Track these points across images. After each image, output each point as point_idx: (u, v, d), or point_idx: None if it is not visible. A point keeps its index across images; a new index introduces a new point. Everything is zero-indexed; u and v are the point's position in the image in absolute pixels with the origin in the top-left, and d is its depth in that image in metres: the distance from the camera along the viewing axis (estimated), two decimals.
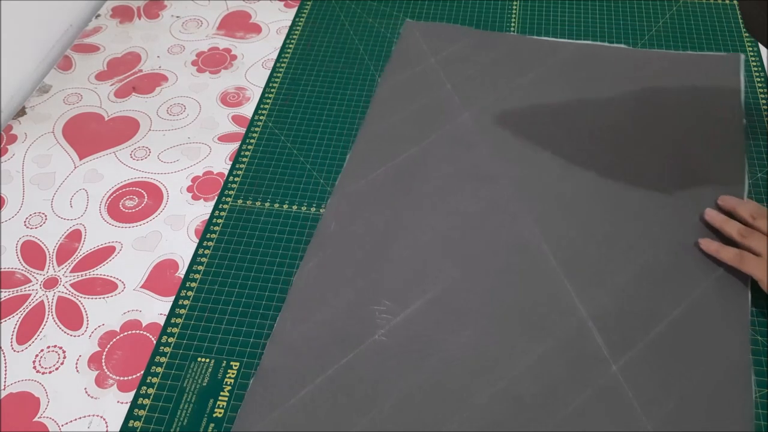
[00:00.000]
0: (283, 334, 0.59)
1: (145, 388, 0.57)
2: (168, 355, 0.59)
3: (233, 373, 0.58)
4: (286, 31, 0.89)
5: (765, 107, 0.76)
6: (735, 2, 0.89)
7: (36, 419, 0.56)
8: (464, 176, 0.70)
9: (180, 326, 0.61)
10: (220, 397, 0.57)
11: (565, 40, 0.85)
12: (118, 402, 0.57)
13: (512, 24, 0.87)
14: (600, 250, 0.64)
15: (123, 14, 0.92)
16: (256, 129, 0.77)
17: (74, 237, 0.68)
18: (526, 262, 0.63)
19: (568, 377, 0.56)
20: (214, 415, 0.56)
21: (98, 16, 0.92)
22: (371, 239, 0.65)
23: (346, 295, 0.61)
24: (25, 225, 0.69)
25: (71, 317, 0.62)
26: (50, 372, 0.59)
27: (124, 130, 0.78)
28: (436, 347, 0.58)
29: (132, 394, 0.57)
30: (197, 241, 0.67)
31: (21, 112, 0.80)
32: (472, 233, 0.65)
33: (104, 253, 0.66)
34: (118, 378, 0.58)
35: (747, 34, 0.85)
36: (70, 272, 0.65)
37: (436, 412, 0.54)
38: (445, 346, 0.58)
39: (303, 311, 0.60)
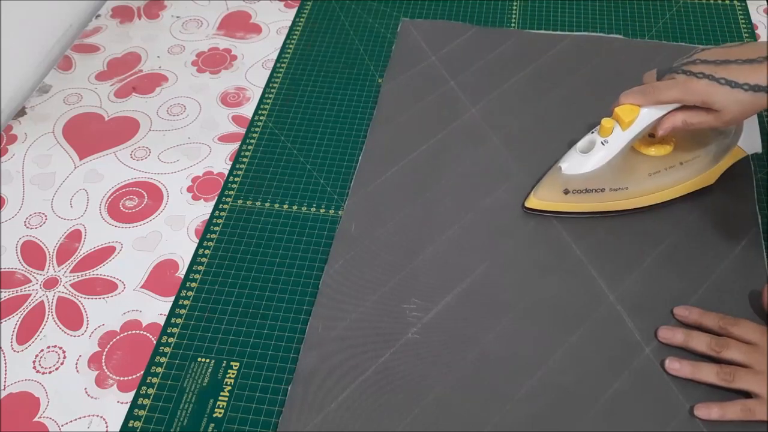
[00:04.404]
0: (315, 339, 0.59)
1: (145, 388, 0.57)
2: (168, 355, 0.59)
3: (233, 373, 0.58)
4: (286, 31, 0.89)
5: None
6: (735, 2, 0.89)
7: (36, 419, 0.56)
8: (480, 171, 0.71)
9: (180, 326, 0.61)
10: (220, 397, 0.57)
11: (564, 33, 0.85)
12: (118, 402, 0.57)
13: (512, 24, 0.87)
14: (621, 238, 0.65)
15: (123, 14, 0.92)
16: (256, 129, 0.77)
17: (74, 237, 0.68)
18: (549, 252, 0.64)
19: (603, 363, 0.57)
20: (214, 415, 0.56)
21: (98, 16, 0.92)
22: (393, 238, 0.66)
23: (375, 295, 0.62)
24: (25, 225, 0.69)
25: (71, 317, 0.62)
26: (50, 372, 0.59)
27: (124, 130, 0.78)
28: (470, 343, 0.58)
29: (132, 394, 0.57)
30: (197, 241, 0.67)
31: (21, 112, 0.80)
32: (494, 227, 0.66)
33: (104, 253, 0.66)
34: (118, 378, 0.58)
35: (746, 34, 0.85)
36: (70, 272, 0.65)
37: (478, 407, 0.55)
38: (480, 341, 0.58)
39: (333, 314, 0.60)
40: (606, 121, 0.61)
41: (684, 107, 0.59)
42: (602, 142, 0.62)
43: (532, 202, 0.66)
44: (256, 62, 0.85)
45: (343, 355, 0.58)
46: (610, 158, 0.62)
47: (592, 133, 0.63)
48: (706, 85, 0.56)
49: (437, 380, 0.56)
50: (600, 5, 0.89)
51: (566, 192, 0.64)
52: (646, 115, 0.60)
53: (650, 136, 0.65)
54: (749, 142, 0.64)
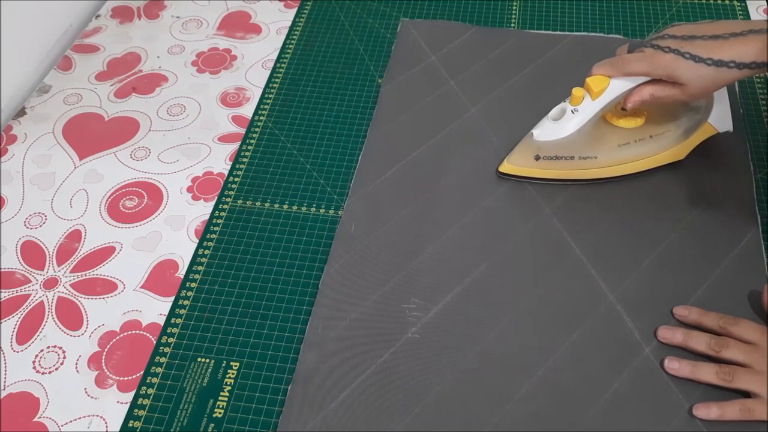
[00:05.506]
0: (315, 338, 0.59)
1: (145, 388, 0.57)
2: (168, 355, 0.59)
3: (233, 373, 0.58)
4: (286, 31, 0.89)
5: (765, 107, 0.76)
6: (735, 2, 0.89)
7: (36, 419, 0.56)
8: (480, 171, 0.71)
9: (180, 326, 0.61)
10: (220, 397, 0.57)
11: (564, 33, 0.85)
12: (118, 402, 0.57)
13: (512, 24, 0.87)
14: (621, 237, 0.65)
15: (123, 14, 0.92)
16: (256, 129, 0.77)
17: (74, 237, 0.68)
18: (549, 252, 0.64)
19: (603, 362, 0.57)
20: (214, 415, 0.56)
21: (98, 16, 0.92)
22: (393, 238, 0.66)
23: (375, 295, 0.62)
24: (25, 225, 0.69)
25: (71, 317, 0.62)
26: (50, 372, 0.59)
27: (124, 130, 0.78)
28: (470, 342, 0.58)
29: (132, 394, 0.57)
30: (197, 241, 0.67)
31: (21, 112, 0.80)
32: (494, 227, 0.66)
33: (104, 253, 0.66)
34: (118, 378, 0.58)
35: None
36: (70, 272, 0.65)
37: (478, 407, 0.55)
38: (480, 341, 0.58)
39: (333, 314, 0.60)
40: (576, 91, 0.63)
41: (652, 81, 0.60)
42: (572, 111, 0.64)
43: (505, 167, 0.69)
44: (256, 62, 0.85)
45: (343, 355, 0.58)
46: (580, 127, 0.64)
47: (564, 101, 0.65)
48: (672, 59, 0.58)
49: (437, 380, 0.56)
50: (600, 5, 0.89)
51: (537, 158, 0.67)
52: (616, 86, 0.62)
53: (623, 109, 0.66)
54: (719, 119, 0.66)
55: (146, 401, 0.57)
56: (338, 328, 0.59)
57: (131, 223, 0.69)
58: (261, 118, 0.78)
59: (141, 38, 0.89)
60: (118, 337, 0.61)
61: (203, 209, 0.70)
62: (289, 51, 0.86)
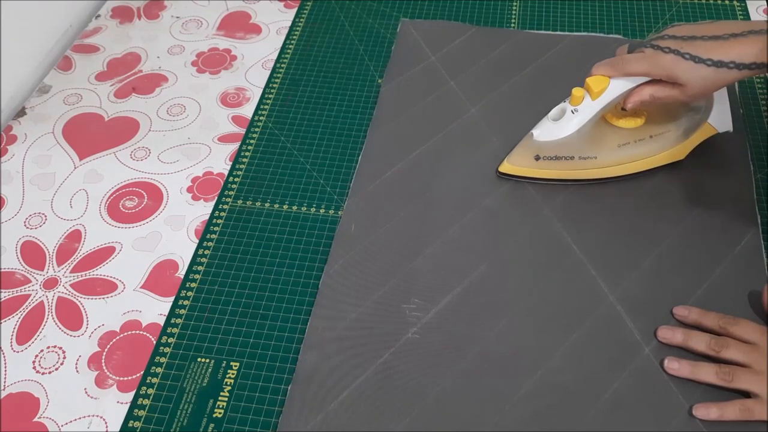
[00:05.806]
0: (315, 339, 0.59)
1: (145, 388, 0.57)
2: (168, 355, 0.59)
3: (233, 373, 0.58)
4: (286, 31, 0.89)
5: (765, 107, 0.76)
6: (734, 2, 0.89)
7: (36, 419, 0.56)
8: (480, 171, 0.71)
9: (180, 326, 0.61)
10: (220, 397, 0.57)
11: (563, 33, 0.85)
12: (118, 402, 0.57)
13: (512, 24, 0.87)
14: (621, 237, 0.65)
15: (123, 14, 0.92)
16: (256, 129, 0.77)
17: (74, 237, 0.68)
18: (549, 252, 0.64)
19: (603, 362, 0.57)
20: (214, 415, 0.56)
21: (98, 16, 0.92)
22: (393, 238, 0.66)
23: (375, 295, 0.62)
24: (25, 225, 0.69)
25: (71, 317, 0.62)
26: (50, 372, 0.59)
27: (124, 130, 0.78)
28: (470, 342, 0.58)
29: (132, 394, 0.57)
30: (197, 241, 0.67)
31: (21, 112, 0.80)
32: (494, 227, 0.66)
33: (104, 254, 0.66)
34: (118, 378, 0.58)
35: None
36: (70, 272, 0.65)
37: (478, 407, 0.55)
38: (480, 341, 0.58)
39: (333, 314, 0.60)
40: (576, 91, 0.64)
41: (652, 81, 0.61)
42: (572, 111, 0.64)
43: (505, 167, 0.69)
44: (256, 62, 0.85)
45: (343, 355, 0.58)
46: (580, 127, 0.64)
47: (564, 102, 0.65)
48: (672, 59, 0.58)
49: (437, 380, 0.56)
50: (600, 5, 0.89)
51: (537, 158, 0.67)
52: (616, 86, 0.62)
53: (623, 109, 0.66)
54: (719, 119, 0.66)
55: (146, 401, 0.57)
56: (338, 329, 0.59)
57: (131, 223, 0.69)
58: (261, 118, 0.78)
59: (141, 38, 0.89)
60: (118, 337, 0.61)
61: (203, 209, 0.70)
62: (289, 51, 0.86)
